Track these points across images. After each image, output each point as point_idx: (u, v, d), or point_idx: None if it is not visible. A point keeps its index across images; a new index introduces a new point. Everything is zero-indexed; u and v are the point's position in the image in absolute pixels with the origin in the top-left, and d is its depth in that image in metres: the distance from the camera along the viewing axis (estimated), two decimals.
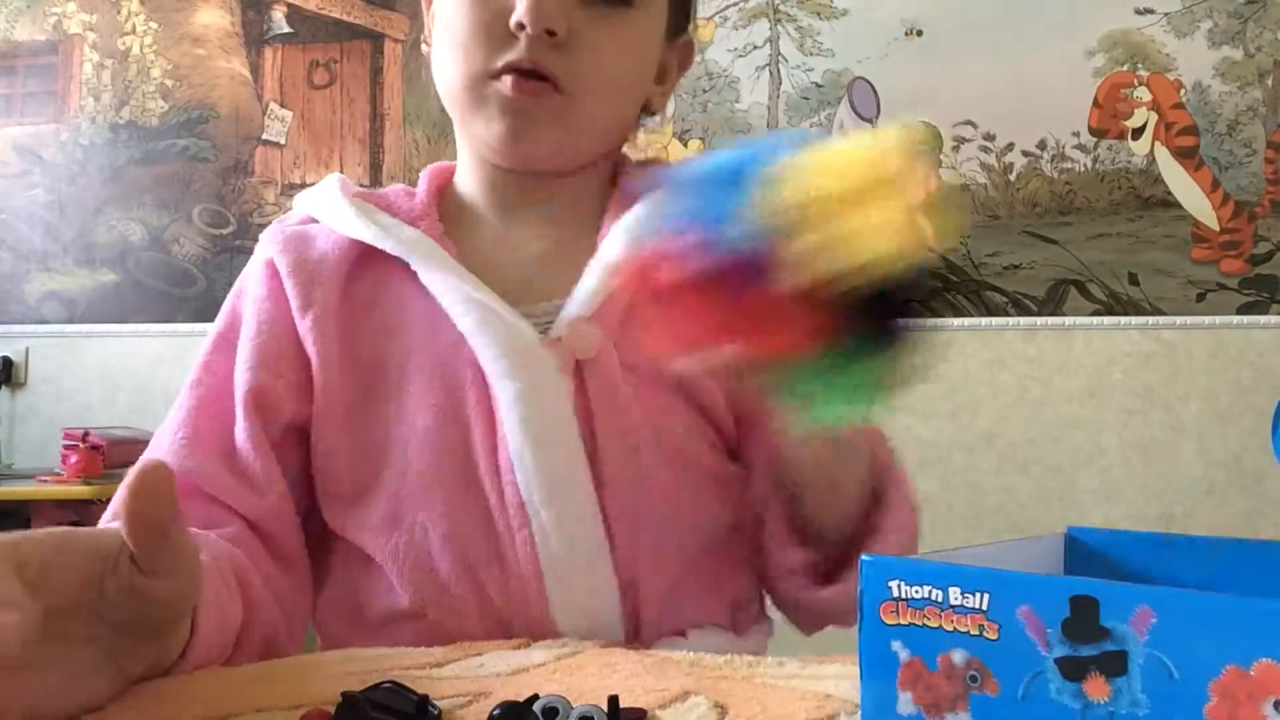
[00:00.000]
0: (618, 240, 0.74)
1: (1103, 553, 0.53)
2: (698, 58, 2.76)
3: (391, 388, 0.73)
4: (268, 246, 0.79)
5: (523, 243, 0.78)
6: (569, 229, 0.78)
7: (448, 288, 0.73)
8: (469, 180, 0.82)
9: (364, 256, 0.77)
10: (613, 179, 0.82)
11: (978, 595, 0.40)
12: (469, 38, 0.73)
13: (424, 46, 0.82)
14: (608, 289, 0.72)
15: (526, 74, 0.72)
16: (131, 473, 0.46)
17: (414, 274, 0.74)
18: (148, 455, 0.69)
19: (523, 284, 0.75)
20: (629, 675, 0.56)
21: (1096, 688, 0.37)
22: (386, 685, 0.48)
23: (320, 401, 0.74)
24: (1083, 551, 0.54)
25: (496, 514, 0.70)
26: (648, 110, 0.83)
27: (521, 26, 0.70)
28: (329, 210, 0.79)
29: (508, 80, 0.72)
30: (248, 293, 0.78)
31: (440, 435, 0.71)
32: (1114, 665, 0.36)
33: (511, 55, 0.71)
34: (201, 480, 0.70)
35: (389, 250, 0.75)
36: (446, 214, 0.80)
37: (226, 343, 0.76)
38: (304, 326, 0.74)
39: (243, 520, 0.70)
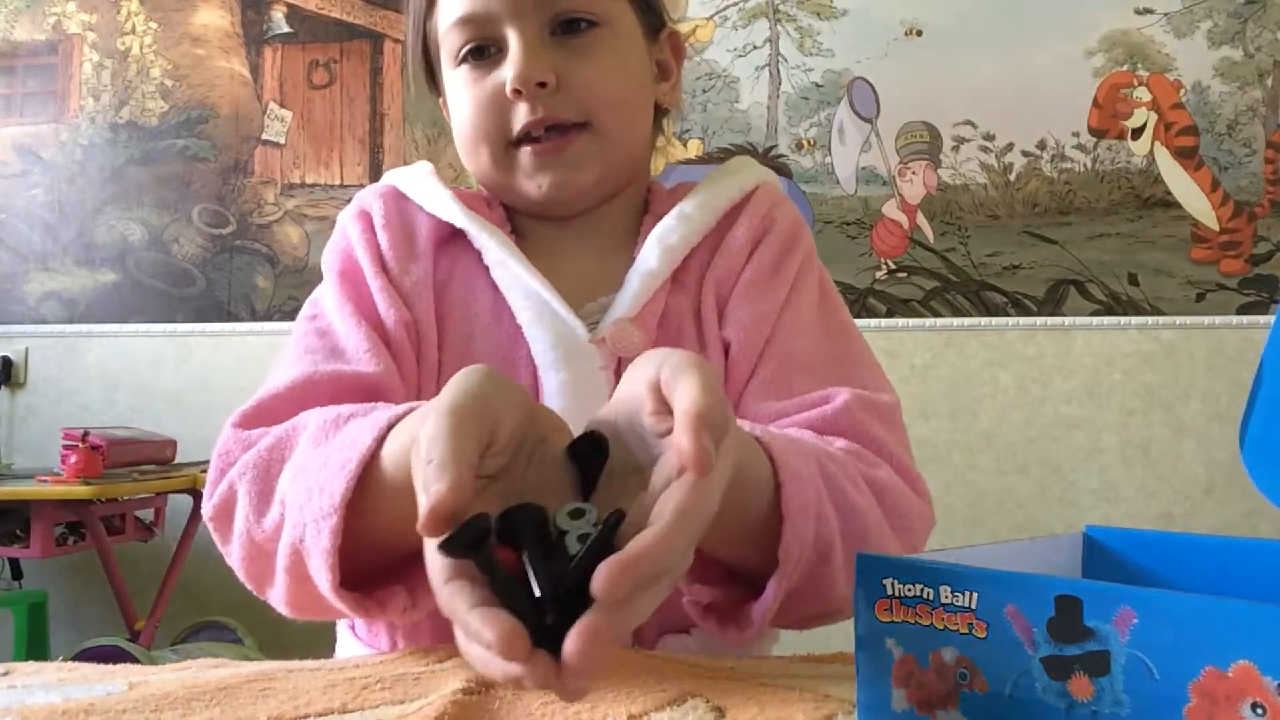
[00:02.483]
0: (652, 249, 0.81)
1: (1119, 552, 0.53)
2: (698, 58, 2.77)
3: (456, 364, 0.78)
4: (366, 203, 0.84)
5: (577, 250, 0.85)
6: (610, 246, 0.84)
7: (514, 281, 0.79)
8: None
9: (445, 241, 0.83)
10: (646, 205, 0.88)
11: (967, 594, 0.40)
12: (480, 118, 0.80)
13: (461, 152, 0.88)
14: (648, 293, 0.79)
15: (540, 137, 0.78)
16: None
17: (484, 268, 0.81)
18: (312, 366, 0.73)
19: (576, 286, 0.80)
20: (629, 675, 0.56)
21: (1080, 687, 0.37)
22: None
23: (421, 353, 0.79)
24: (1100, 551, 0.54)
25: None
26: (663, 110, 0.89)
27: (518, 91, 0.77)
28: (425, 192, 0.85)
29: (526, 150, 0.79)
30: (352, 240, 0.83)
31: None
32: (1097, 665, 0.36)
33: (520, 118, 0.78)
34: (389, 391, 0.74)
35: (472, 235, 0.81)
36: (515, 224, 0.86)
37: (352, 277, 0.81)
38: (407, 286, 0.80)
39: None
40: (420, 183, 0.86)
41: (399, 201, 0.85)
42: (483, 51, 0.80)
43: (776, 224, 0.84)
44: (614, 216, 0.86)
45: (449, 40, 0.81)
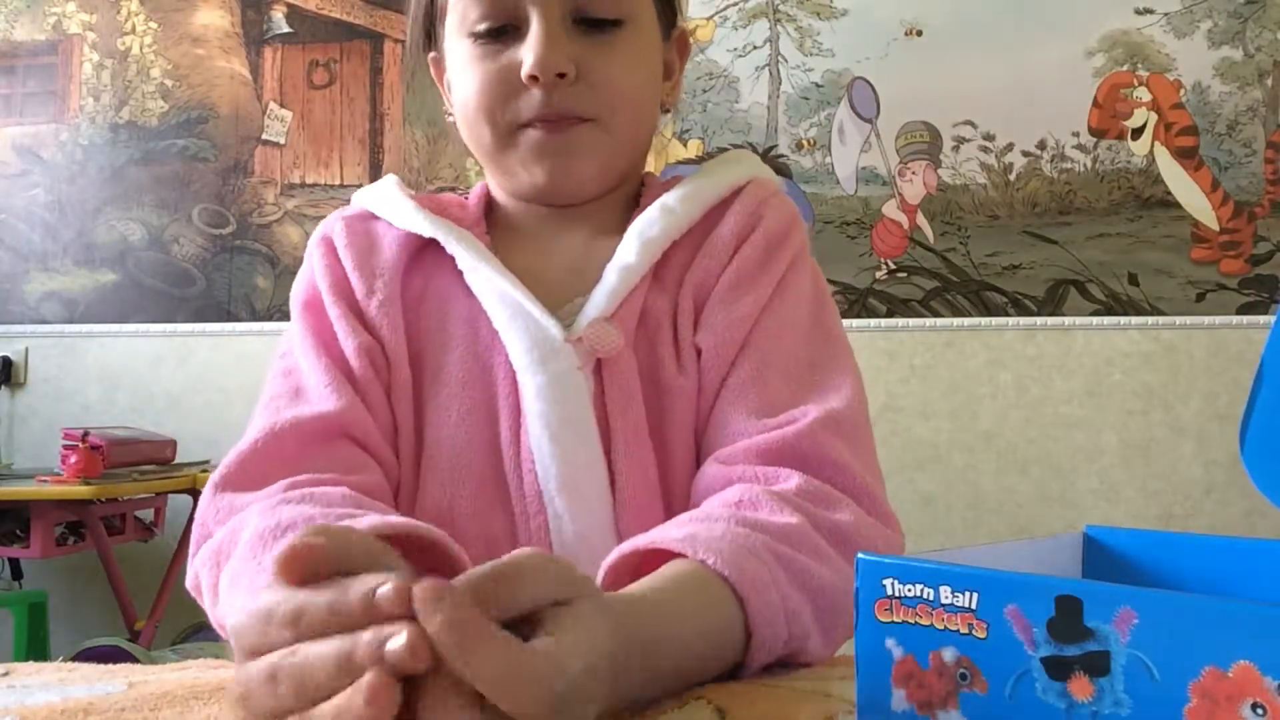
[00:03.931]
0: (632, 244, 0.78)
1: (1120, 552, 0.53)
2: (698, 58, 2.77)
3: (432, 379, 0.78)
4: (329, 229, 0.83)
5: (558, 248, 0.83)
6: (598, 238, 0.82)
7: (488, 285, 0.77)
8: (506, 202, 0.86)
9: (418, 254, 0.81)
10: (637, 197, 0.86)
11: (967, 594, 0.40)
12: (488, 96, 0.77)
13: (447, 118, 0.86)
14: (626, 289, 0.76)
15: (553, 120, 0.76)
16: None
17: (459, 275, 0.79)
18: (275, 414, 0.73)
19: (554, 285, 0.79)
20: None
21: (1080, 687, 0.37)
22: None
23: (392, 374, 0.78)
24: (1100, 551, 0.54)
25: (515, 499, 0.74)
26: (663, 109, 0.87)
27: (534, 78, 0.74)
28: (390, 206, 0.83)
29: (537, 130, 0.76)
30: (315, 269, 0.81)
31: (472, 424, 0.75)
32: (1097, 665, 0.36)
33: (533, 106, 0.76)
34: (353, 424, 0.73)
35: (443, 242, 0.79)
36: (493, 223, 0.85)
37: (314, 308, 0.79)
38: (371, 309, 0.78)
39: (381, 470, 0.74)
40: (385, 197, 0.84)
41: (364, 222, 0.83)
42: (499, 28, 0.77)
43: (764, 220, 0.81)
44: (605, 209, 0.83)
45: (462, 7, 0.78)
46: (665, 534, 0.59)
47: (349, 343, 0.76)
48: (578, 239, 0.83)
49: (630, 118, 0.80)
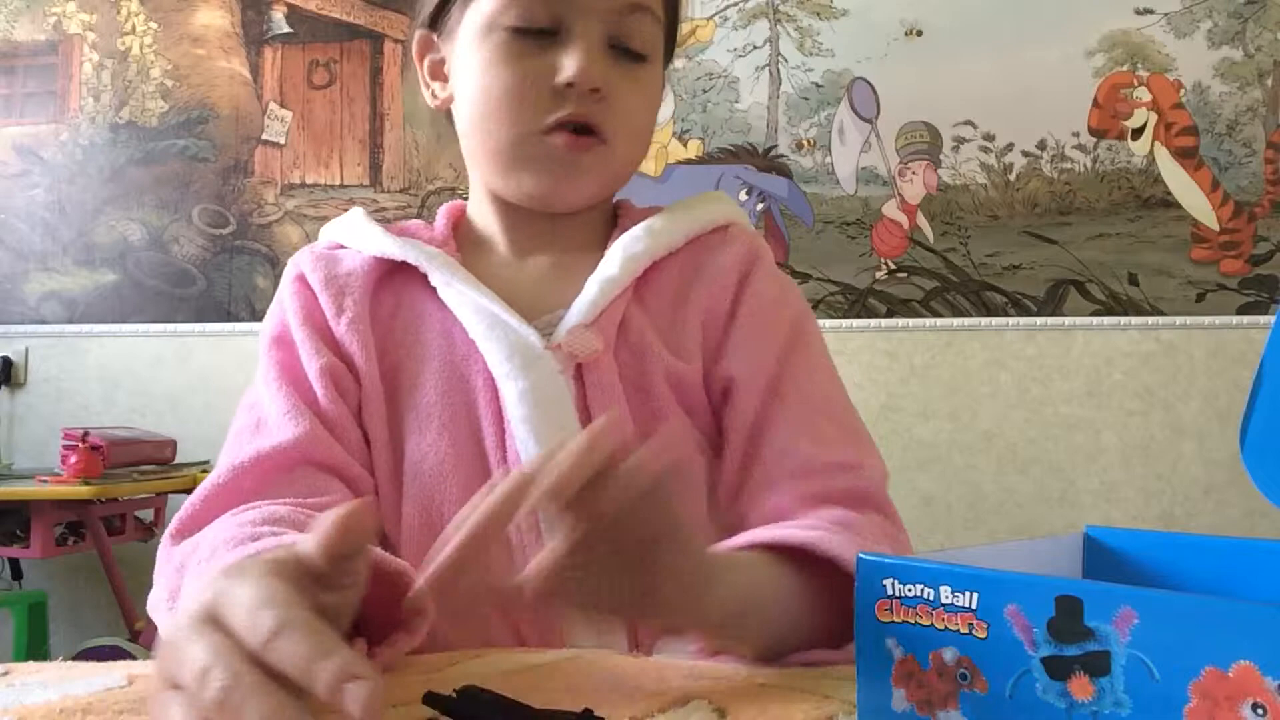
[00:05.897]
0: (615, 257, 0.81)
1: (1120, 552, 0.53)
2: (698, 58, 2.77)
3: (410, 391, 0.79)
4: (299, 263, 0.85)
5: (530, 267, 0.85)
6: (573, 255, 0.85)
7: (462, 299, 0.79)
8: (483, 217, 0.88)
9: (386, 275, 0.83)
10: (614, 219, 0.89)
11: (967, 594, 0.40)
12: (513, 99, 0.79)
13: (430, 100, 0.87)
14: (606, 300, 0.79)
15: (577, 130, 0.78)
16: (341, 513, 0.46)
17: (431, 291, 0.81)
18: (237, 449, 0.74)
19: (529, 300, 0.81)
20: (628, 677, 0.56)
21: (1081, 687, 0.37)
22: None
23: (363, 391, 0.79)
24: (1100, 551, 0.54)
25: None
26: None
27: (570, 85, 0.77)
28: (356, 234, 0.85)
29: (560, 137, 0.78)
30: (285, 304, 0.83)
31: (454, 431, 0.77)
32: (1098, 665, 0.36)
33: (562, 112, 0.78)
34: (314, 449, 0.74)
35: (413, 261, 0.82)
36: (462, 244, 0.87)
37: (283, 341, 0.81)
38: (340, 329, 0.80)
39: (348, 489, 0.75)
40: (353, 227, 0.86)
41: (332, 251, 0.85)
42: (535, 30, 0.78)
43: (764, 259, 0.85)
44: (580, 228, 0.86)
45: (499, 3, 0.78)
46: (789, 533, 0.64)
47: (312, 365, 0.78)
48: (550, 257, 0.85)
49: (635, 147, 0.83)
